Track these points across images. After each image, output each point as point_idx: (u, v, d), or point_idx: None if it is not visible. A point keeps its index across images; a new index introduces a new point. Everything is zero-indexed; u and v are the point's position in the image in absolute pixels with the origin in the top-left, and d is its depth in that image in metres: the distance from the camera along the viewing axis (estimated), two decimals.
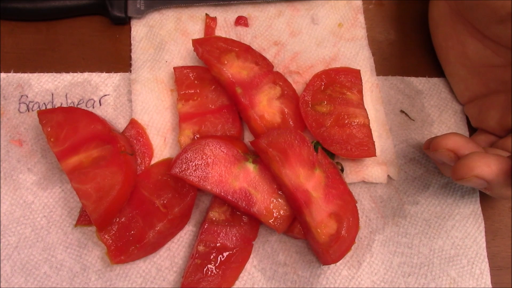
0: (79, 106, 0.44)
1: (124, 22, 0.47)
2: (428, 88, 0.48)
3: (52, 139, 0.40)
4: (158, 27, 0.47)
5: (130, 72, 0.46)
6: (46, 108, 0.44)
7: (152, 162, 0.43)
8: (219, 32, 0.48)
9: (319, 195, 0.39)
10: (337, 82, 0.44)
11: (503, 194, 0.35)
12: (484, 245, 0.44)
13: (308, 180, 0.39)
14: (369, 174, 0.44)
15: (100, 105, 0.45)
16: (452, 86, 0.47)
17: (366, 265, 0.42)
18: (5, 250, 0.40)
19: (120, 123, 0.44)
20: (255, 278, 0.41)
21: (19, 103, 0.44)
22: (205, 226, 0.40)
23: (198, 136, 0.42)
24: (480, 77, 0.43)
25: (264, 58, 0.45)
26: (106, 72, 0.46)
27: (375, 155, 0.42)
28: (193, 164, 0.39)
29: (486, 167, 0.33)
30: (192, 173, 0.38)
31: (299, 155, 0.39)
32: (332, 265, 0.42)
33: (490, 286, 0.43)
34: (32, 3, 0.45)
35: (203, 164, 0.39)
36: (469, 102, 0.46)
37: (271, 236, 0.42)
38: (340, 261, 0.41)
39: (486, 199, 0.45)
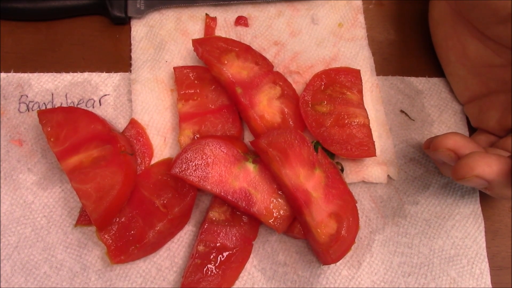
0: (79, 106, 0.44)
1: (124, 22, 0.47)
2: (428, 88, 0.48)
3: (52, 139, 0.40)
4: (158, 27, 0.47)
5: (130, 72, 0.46)
6: (46, 108, 0.44)
7: (152, 162, 0.43)
8: (219, 32, 0.48)
9: (319, 195, 0.39)
10: (337, 82, 0.44)
11: (503, 194, 0.35)
12: (484, 245, 0.44)
13: (308, 180, 0.39)
14: (369, 174, 0.44)
15: (100, 105, 0.45)
16: (452, 86, 0.47)
17: (366, 265, 0.42)
18: (5, 250, 0.40)
19: (120, 123, 0.44)
20: (255, 278, 0.41)
21: (19, 103, 0.44)
22: (205, 226, 0.40)
23: (198, 136, 0.42)
24: (480, 77, 0.43)
25: (264, 58, 0.45)
26: (106, 72, 0.46)
27: (375, 155, 0.42)
28: (193, 164, 0.39)
29: (487, 167, 0.33)
30: (192, 173, 0.38)
31: (299, 155, 0.39)
32: (332, 265, 0.42)
33: (490, 286, 0.43)
34: (32, 3, 0.45)
35: (203, 164, 0.39)
36: (469, 102, 0.46)
37: (271, 236, 0.42)
38: (340, 261, 0.41)
39: (486, 199, 0.45)
